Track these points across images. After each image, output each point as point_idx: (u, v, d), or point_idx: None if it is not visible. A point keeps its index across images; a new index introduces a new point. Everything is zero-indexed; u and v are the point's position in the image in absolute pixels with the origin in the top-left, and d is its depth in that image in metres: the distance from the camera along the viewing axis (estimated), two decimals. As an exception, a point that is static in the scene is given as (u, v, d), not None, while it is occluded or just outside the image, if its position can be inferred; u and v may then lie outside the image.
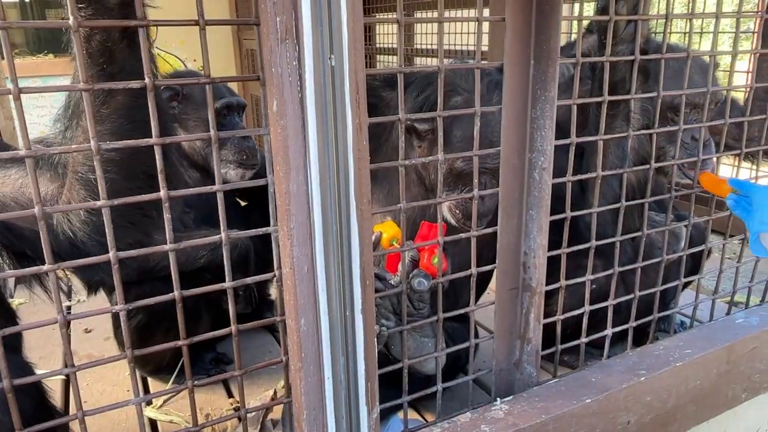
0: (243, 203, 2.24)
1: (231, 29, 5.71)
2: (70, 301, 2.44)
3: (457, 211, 1.49)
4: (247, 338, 2.16)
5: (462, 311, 1.28)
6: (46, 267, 0.85)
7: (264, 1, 0.76)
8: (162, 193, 0.87)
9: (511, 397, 1.28)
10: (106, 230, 0.87)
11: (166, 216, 0.90)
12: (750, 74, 1.67)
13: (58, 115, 1.05)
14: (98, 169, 0.84)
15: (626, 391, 1.33)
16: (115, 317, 1.83)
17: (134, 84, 0.83)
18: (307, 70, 0.77)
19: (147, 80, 0.82)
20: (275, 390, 1.76)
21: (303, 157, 0.80)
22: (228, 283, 0.98)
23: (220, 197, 0.94)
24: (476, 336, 1.37)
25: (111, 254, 0.87)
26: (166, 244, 0.91)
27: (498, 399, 1.28)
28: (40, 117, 6.05)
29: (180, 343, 0.98)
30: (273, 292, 2.42)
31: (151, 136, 0.83)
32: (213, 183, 2.05)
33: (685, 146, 1.56)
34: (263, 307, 2.32)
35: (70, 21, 0.78)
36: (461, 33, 3.28)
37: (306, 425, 0.91)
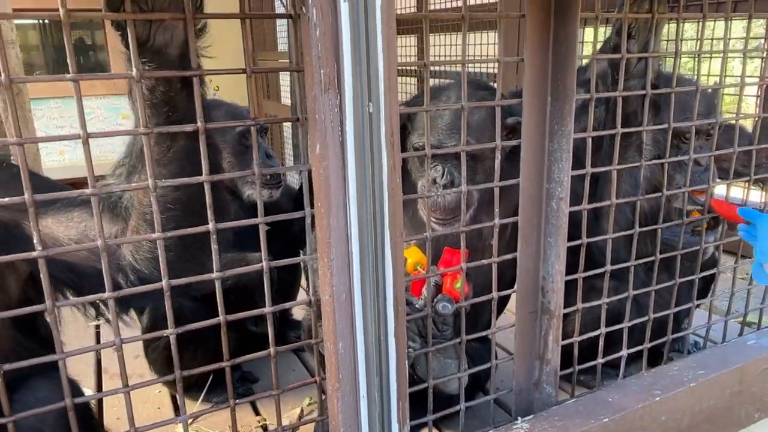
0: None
1: (242, 48, 5.84)
2: (98, 320, 2.52)
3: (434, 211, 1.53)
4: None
5: (483, 333, 1.35)
6: (107, 294, 0.93)
7: (309, 53, 0.84)
8: (210, 226, 0.96)
9: (531, 416, 1.34)
10: (160, 259, 0.95)
11: (214, 247, 0.98)
12: (758, 99, 1.73)
13: (121, 162, 1.13)
14: (154, 204, 0.92)
15: (642, 410, 1.38)
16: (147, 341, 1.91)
17: (188, 128, 0.92)
18: (347, 117, 0.85)
19: (199, 123, 0.91)
20: (302, 408, 1.82)
21: (343, 195, 0.88)
22: (268, 308, 1.06)
23: (262, 229, 1.02)
24: (495, 356, 1.43)
25: (164, 282, 0.95)
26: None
27: (519, 418, 1.34)
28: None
29: (224, 364, 1.06)
30: (295, 312, 2.49)
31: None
32: (240, 203, 2.12)
33: (691, 173, 1.63)
34: (285, 328, 2.39)
35: (134, 72, 0.86)
36: (479, 55, 3.36)
37: (342, 442, 0.97)
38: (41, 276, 0.88)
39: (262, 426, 1.83)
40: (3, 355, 1.19)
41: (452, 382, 1.36)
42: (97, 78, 0.94)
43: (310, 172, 0.94)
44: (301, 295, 2.44)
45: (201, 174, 0.92)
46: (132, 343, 2.33)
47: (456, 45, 3.32)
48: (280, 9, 4.96)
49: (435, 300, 1.26)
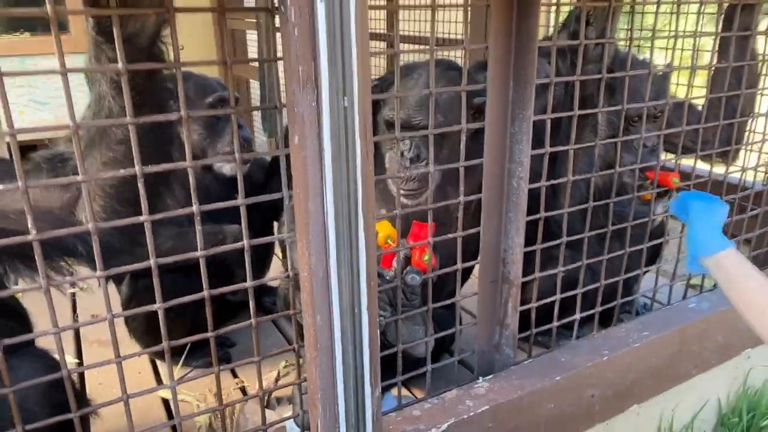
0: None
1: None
2: (74, 288, 2.56)
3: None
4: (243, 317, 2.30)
5: (449, 302, 1.45)
6: (99, 273, 0.99)
7: (288, 50, 0.90)
8: (195, 208, 1.02)
9: (491, 375, 1.47)
10: (148, 242, 1.01)
11: (198, 228, 1.04)
12: (708, 80, 1.85)
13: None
14: (141, 189, 0.98)
15: (591, 369, 1.52)
16: (126, 307, 1.97)
17: (172, 116, 0.97)
18: (324, 111, 0.91)
19: (183, 113, 0.96)
20: (278, 371, 1.93)
21: (320, 182, 0.95)
22: (249, 283, 1.14)
23: (243, 210, 1.09)
24: (460, 321, 1.55)
25: (152, 261, 1.02)
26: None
27: (480, 377, 1.46)
28: (18, 97, 6.00)
29: (209, 334, 1.14)
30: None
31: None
32: (211, 176, 2.15)
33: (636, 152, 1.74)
34: (261, 294, 2.48)
35: (120, 66, 0.91)
36: (447, 33, 3.40)
37: (320, 403, 1.07)
38: (36, 258, 0.94)
39: (240, 388, 1.93)
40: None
41: (420, 346, 1.47)
42: (84, 71, 0.98)
43: (288, 157, 1.01)
44: (275, 263, 2.52)
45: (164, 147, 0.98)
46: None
47: (425, 21, 3.35)
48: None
49: (404, 272, 1.35)
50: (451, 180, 1.71)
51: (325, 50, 0.89)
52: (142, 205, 0.98)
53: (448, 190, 1.72)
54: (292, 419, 1.37)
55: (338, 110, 0.93)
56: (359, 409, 1.11)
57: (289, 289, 1.23)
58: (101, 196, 1.10)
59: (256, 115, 5.01)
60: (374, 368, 1.11)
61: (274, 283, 2.30)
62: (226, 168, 2.03)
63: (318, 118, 0.92)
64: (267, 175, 2.24)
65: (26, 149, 1.00)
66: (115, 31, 0.89)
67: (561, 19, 1.45)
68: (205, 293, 1.11)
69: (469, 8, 1.24)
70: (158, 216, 1.01)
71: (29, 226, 0.92)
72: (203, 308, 1.86)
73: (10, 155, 0.91)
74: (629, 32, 1.42)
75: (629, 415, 1.71)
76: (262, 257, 2.31)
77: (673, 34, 1.52)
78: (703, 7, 1.61)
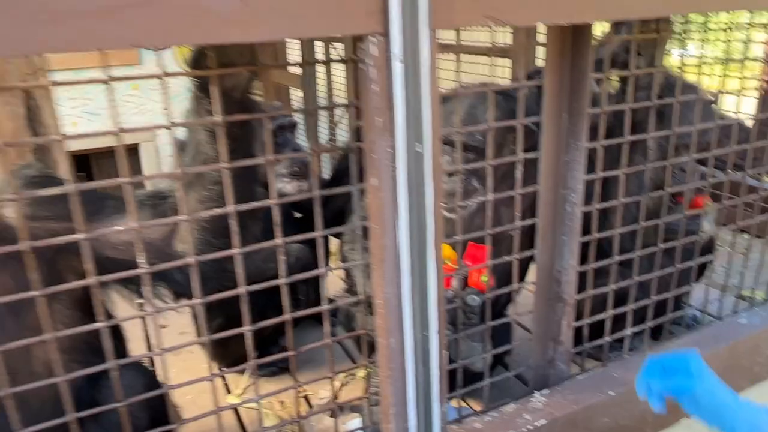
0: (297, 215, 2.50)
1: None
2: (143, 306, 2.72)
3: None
4: (303, 332, 2.42)
5: (506, 320, 1.54)
6: (197, 301, 1.11)
7: (367, 103, 1.00)
8: (279, 241, 1.14)
9: (547, 390, 1.54)
10: (237, 269, 1.13)
11: (281, 258, 1.16)
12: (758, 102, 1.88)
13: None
14: (234, 226, 1.10)
15: (643, 383, 1.58)
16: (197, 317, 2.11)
17: (260, 161, 1.09)
18: (399, 156, 1.02)
19: (270, 157, 1.08)
20: (341, 382, 2.04)
21: (394, 220, 1.05)
22: (325, 307, 1.25)
23: (320, 242, 1.20)
24: (511, 337, 1.63)
25: (242, 290, 1.14)
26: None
27: (536, 392, 1.54)
28: (73, 108, 6.28)
29: (290, 353, 1.26)
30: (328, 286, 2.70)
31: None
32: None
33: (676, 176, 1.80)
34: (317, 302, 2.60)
35: (217, 118, 1.03)
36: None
37: (393, 416, 1.18)
38: (144, 288, 1.07)
39: (303, 396, 2.05)
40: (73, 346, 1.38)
41: (478, 361, 1.55)
42: (187, 125, 1.10)
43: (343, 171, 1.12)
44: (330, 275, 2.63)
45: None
46: (177, 322, 2.53)
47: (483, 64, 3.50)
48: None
49: (464, 292, 1.45)
50: (503, 200, 1.79)
51: (402, 103, 0.99)
52: (233, 239, 1.10)
53: (501, 211, 1.80)
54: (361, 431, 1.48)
55: (412, 155, 1.02)
56: (427, 422, 1.21)
57: (358, 309, 1.34)
58: (197, 230, 1.23)
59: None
60: (441, 385, 1.21)
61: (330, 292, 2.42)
62: (288, 187, 2.16)
63: (393, 162, 1.02)
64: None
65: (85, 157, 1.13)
66: (214, 89, 1.01)
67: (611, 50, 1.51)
68: (287, 316, 1.23)
69: (522, 49, 1.33)
70: (247, 249, 1.13)
71: (138, 258, 1.06)
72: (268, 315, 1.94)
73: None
74: (679, 58, 1.48)
75: (682, 427, 1.76)
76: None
77: (721, 58, 1.56)
78: (749, 32, 1.65)
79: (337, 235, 2.32)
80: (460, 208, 1.69)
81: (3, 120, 2.62)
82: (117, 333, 1.57)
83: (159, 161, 6.43)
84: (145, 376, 1.42)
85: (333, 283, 2.64)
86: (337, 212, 2.20)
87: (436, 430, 1.22)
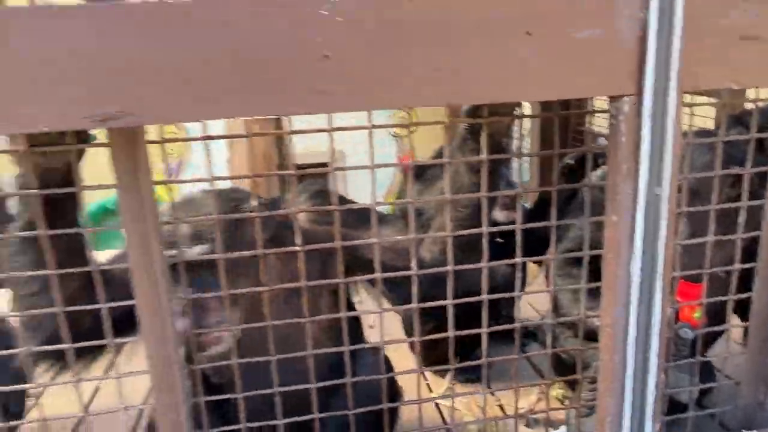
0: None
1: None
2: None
3: None
4: (502, 349, 2.61)
5: (713, 358, 1.61)
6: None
7: (615, 152, 1.18)
8: (518, 259, 1.35)
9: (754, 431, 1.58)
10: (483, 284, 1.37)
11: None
12: None
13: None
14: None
15: None
16: (408, 323, 2.41)
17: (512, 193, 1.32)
18: (640, 198, 1.18)
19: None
20: (539, 391, 2.21)
21: (628, 254, 1.22)
22: (550, 350, 1.43)
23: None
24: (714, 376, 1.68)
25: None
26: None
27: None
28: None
29: (512, 357, 1.46)
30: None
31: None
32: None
33: None
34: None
35: (482, 157, 1.28)
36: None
37: (608, 426, 1.33)
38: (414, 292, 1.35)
39: (498, 405, 2.24)
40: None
41: (684, 393, 1.63)
42: (453, 162, 1.37)
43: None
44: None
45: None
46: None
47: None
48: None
49: (677, 325, 1.55)
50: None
51: (647, 153, 1.16)
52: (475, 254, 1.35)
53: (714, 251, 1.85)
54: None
55: (651, 197, 1.19)
56: (640, 438, 1.34)
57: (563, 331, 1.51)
58: (440, 242, 1.50)
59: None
60: (656, 405, 1.33)
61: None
62: (498, 215, 2.40)
63: (634, 203, 1.19)
64: (529, 219, 2.55)
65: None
66: (485, 135, 1.26)
67: None
68: (484, 330, 1.44)
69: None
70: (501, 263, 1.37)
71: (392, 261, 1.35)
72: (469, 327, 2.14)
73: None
74: None
75: None
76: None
77: None
78: None
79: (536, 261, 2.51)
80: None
81: (257, 140, 3.19)
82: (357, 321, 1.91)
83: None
84: (381, 358, 1.71)
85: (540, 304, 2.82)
86: (535, 240, 2.39)
87: (647, 445, 1.35)
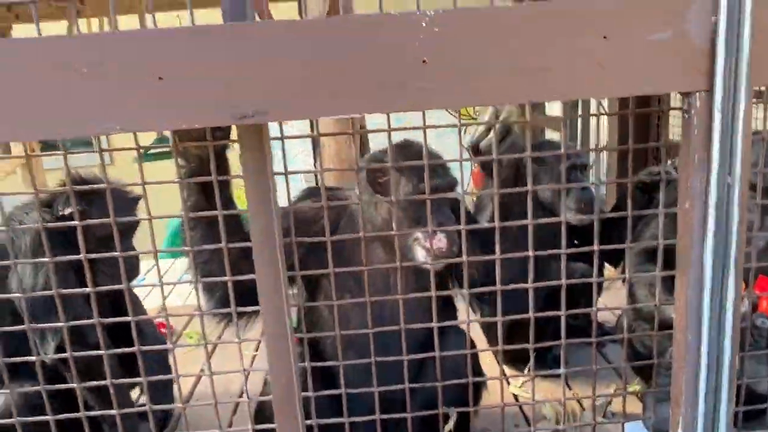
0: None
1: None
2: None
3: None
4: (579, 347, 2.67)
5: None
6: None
7: (688, 142, 1.28)
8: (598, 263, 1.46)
9: (837, 423, 1.60)
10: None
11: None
12: None
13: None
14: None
15: None
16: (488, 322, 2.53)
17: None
18: (712, 186, 1.27)
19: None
20: (615, 388, 2.27)
21: (701, 237, 1.31)
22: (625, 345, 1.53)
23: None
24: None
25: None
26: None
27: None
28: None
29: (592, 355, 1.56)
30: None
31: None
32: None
33: None
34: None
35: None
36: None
37: (683, 403, 1.40)
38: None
39: (576, 399, 2.32)
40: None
41: (762, 383, 1.67)
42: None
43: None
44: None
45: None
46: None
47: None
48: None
49: (754, 315, 1.60)
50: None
51: (718, 144, 1.25)
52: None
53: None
54: (640, 421, 1.71)
55: (723, 186, 1.28)
56: (716, 415, 1.41)
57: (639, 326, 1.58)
58: None
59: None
60: (731, 383, 1.40)
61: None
62: (571, 218, 2.48)
63: (705, 190, 1.29)
64: (603, 222, 2.62)
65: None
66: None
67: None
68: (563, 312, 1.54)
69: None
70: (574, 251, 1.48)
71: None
72: (547, 326, 2.24)
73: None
74: None
75: None
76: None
77: None
78: None
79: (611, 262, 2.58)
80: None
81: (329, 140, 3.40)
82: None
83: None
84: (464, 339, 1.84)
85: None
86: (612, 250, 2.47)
87: (722, 423, 1.41)
